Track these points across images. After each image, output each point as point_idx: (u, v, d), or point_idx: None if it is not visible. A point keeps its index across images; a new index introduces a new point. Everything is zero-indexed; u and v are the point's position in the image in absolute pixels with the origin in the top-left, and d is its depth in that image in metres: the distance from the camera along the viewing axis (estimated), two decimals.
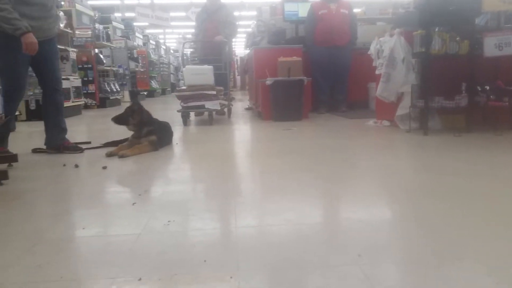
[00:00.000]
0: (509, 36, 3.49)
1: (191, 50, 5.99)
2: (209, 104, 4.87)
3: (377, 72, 4.26)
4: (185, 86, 5.13)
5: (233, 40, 6.26)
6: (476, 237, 1.42)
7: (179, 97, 5.00)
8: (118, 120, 3.30)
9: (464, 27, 3.73)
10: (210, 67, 5.09)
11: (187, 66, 5.13)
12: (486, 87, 3.75)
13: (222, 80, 5.53)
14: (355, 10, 6.39)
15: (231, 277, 1.15)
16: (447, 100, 3.69)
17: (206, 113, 5.36)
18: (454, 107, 3.71)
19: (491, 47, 3.53)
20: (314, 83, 5.67)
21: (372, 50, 4.43)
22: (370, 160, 2.86)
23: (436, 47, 3.61)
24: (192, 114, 5.46)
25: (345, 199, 1.97)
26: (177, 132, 4.23)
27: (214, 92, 4.90)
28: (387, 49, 3.99)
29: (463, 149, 3.07)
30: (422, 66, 3.78)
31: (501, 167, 2.51)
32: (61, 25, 6.46)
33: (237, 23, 6.25)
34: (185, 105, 4.91)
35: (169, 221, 1.60)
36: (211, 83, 4.98)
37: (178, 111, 5.09)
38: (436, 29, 3.65)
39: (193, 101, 4.88)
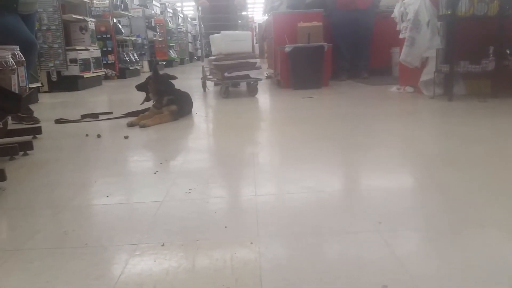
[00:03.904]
0: None
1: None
2: (253, 73, 4.57)
3: (401, 36, 4.12)
4: (216, 54, 4.74)
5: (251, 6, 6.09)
6: (499, 205, 1.39)
7: (219, 67, 4.53)
8: (139, 87, 3.43)
9: None
10: (249, 32, 4.85)
11: (224, 32, 4.61)
12: None
13: None
14: None
15: (251, 243, 1.16)
16: (473, 65, 3.57)
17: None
18: (480, 71, 3.58)
19: None
20: (335, 49, 5.54)
21: (396, 13, 4.28)
22: (392, 128, 2.81)
23: (463, 8, 3.46)
24: (211, 83, 5.42)
25: (365, 167, 1.95)
26: (196, 102, 4.23)
27: (258, 60, 4.66)
28: (412, 12, 3.84)
29: (488, 116, 2.98)
30: (448, 29, 3.65)
31: None
32: None
33: None
34: (229, 75, 4.45)
35: (190, 189, 1.62)
36: (250, 50, 4.68)
37: (216, 83, 4.81)
38: None
39: (235, 71, 4.47)
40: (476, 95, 3.61)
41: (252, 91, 4.60)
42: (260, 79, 4.62)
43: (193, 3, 23.02)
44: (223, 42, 4.50)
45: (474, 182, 1.63)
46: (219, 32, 4.67)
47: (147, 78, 3.37)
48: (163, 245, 1.18)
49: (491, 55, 3.55)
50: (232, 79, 4.51)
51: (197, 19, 22.77)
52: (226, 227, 1.28)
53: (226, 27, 5.07)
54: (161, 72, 3.46)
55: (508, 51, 3.60)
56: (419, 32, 3.79)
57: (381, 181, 1.70)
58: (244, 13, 5.76)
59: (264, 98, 4.60)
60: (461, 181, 1.64)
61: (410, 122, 2.99)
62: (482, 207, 1.38)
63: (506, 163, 1.86)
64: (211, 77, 5.09)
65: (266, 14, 6.84)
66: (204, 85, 5.34)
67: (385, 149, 2.24)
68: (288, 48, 4.82)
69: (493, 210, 1.35)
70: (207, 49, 5.92)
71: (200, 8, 5.58)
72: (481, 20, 3.55)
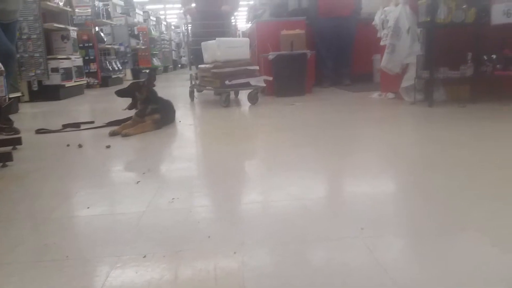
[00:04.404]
0: None
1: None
2: (254, 81, 4.36)
3: (381, 43, 4.18)
4: (211, 62, 4.50)
5: (235, 14, 5.90)
6: (480, 209, 1.41)
7: (218, 75, 4.27)
8: (122, 93, 3.32)
9: None
10: (246, 39, 4.69)
11: (219, 39, 4.43)
12: (492, 56, 3.68)
13: None
14: None
15: (235, 252, 1.16)
16: (453, 71, 3.64)
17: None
18: (459, 77, 3.66)
19: (499, 14, 3.44)
20: (318, 56, 5.59)
21: (377, 20, 4.34)
22: (374, 133, 2.85)
23: (442, 15, 3.54)
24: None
25: (348, 173, 1.97)
26: (181, 111, 4.22)
27: (257, 67, 4.49)
28: (392, 19, 3.91)
29: (468, 121, 3.04)
30: (427, 36, 3.71)
31: (506, 138, 2.48)
32: (61, 4, 6.37)
33: None
34: (229, 83, 4.24)
35: (173, 199, 1.61)
36: (248, 57, 4.52)
37: (217, 92, 4.58)
38: None
39: (235, 79, 4.27)
40: (456, 101, 3.68)
41: (252, 99, 4.44)
42: (262, 87, 4.45)
43: (177, 11, 22.95)
44: (220, 49, 4.34)
45: (455, 186, 1.65)
46: (211, 39, 4.56)
47: (133, 84, 3.32)
48: (145, 256, 1.16)
49: (469, 61, 3.63)
50: (232, 87, 4.33)
51: (182, 27, 22.58)
52: (209, 236, 1.27)
53: (217, 34, 4.86)
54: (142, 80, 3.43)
55: (485, 57, 3.69)
56: (399, 39, 3.85)
57: (364, 187, 1.71)
58: (233, 21, 5.64)
59: (248, 105, 4.61)
60: (443, 185, 1.67)
61: (392, 127, 3.03)
62: (464, 211, 1.40)
63: (486, 167, 1.90)
64: (203, 85, 4.84)
65: (250, 22, 6.88)
66: (192, 95, 5.17)
67: (368, 154, 2.27)
68: (271, 55, 4.84)
69: (475, 214, 1.37)
70: (191, 57, 5.75)
71: (188, 16, 5.36)
72: (459, 27, 3.63)
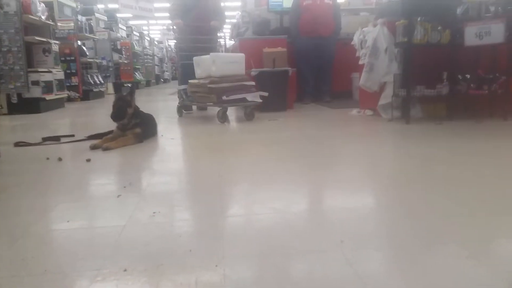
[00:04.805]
0: (489, 25, 3.55)
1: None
2: (250, 97, 4.26)
3: (360, 62, 4.29)
4: (204, 77, 4.37)
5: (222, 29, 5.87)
6: (459, 223, 1.46)
7: (214, 91, 4.15)
8: (117, 117, 3.21)
9: (445, 16, 3.78)
10: (242, 54, 4.58)
11: (214, 54, 4.38)
12: (466, 75, 3.82)
13: None
14: (339, 1, 6.42)
15: (216, 266, 1.17)
16: (429, 89, 3.75)
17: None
18: (435, 95, 3.77)
19: (471, 36, 3.59)
20: (299, 73, 5.69)
21: (356, 40, 4.45)
22: (354, 149, 2.90)
23: (418, 36, 3.66)
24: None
25: (329, 187, 2.00)
26: (165, 125, 4.21)
27: (253, 83, 4.41)
28: (370, 39, 4.02)
29: (444, 137, 3.13)
30: (404, 56, 3.83)
31: (482, 154, 2.57)
32: (43, 17, 6.33)
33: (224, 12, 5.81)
34: (227, 98, 4.13)
35: (154, 213, 1.61)
36: (243, 73, 4.45)
37: (200, 107, 4.49)
38: (419, 19, 3.69)
39: (232, 94, 4.18)
40: (432, 118, 3.78)
41: (249, 115, 4.35)
42: (258, 102, 4.37)
43: (160, 27, 22.98)
44: (215, 64, 4.24)
45: (433, 200, 1.70)
46: (199, 54, 4.52)
47: (121, 102, 3.24)
48: (125, 270, 1.16)
49: (445, 80, 3.75)
50: (229, 103, 4.22)
51: (165, 43, 22.51)
52: (191, 250, 1.28)
53: (204, 49, 4.81)
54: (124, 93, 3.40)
55: (460, 77, 3.82)
56: (377, 58, 3.96)
57: (344, 201, 1.75)
58: (222, 36, 5.61)
59: (230, 120, 4.64)
60: (421, 199, 1.71)
61: (370, 144, 3.09)
62: (442, 224, 1.44)
63: (463, 182, 1.96)
64: (195, 101, 4.72)
65: (233, 39, 6.96)
66: (180, 110, 5.01)
67: (348, 169, 2.31)
68: (254, 72, 4.90)
69: (453, 227, 1.42)
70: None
71: (175, 27, 5.19)
72: (435, 47, 3.76)
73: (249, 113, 4.37)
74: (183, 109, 5.06)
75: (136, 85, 11.12)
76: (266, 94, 4.48)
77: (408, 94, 3.72)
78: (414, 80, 3.74)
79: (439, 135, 3.22)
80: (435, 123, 3.62)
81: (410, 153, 2.68)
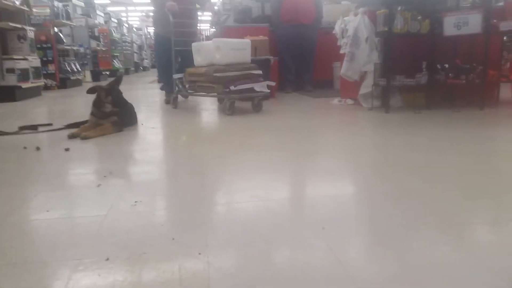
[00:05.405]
0: (467, 15, 3.61)
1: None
2: (258, 87, 3.96)
3: (341, 51, 4.31)
4: (204, 65, 4.08)
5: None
6: (435, 208, 1.50)
7: (220, 80, 3.83)
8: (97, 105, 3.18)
9: (425, 6, 3.83)
10: (248, 40, 4.25)
11: (221, 39, 4.05)
12: (445, 65, 3.88)
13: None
14: None
15: (199, 253, 1.17)
16: (408, 78, 3.81)
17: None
18: (414, 85, 3.83)
19: (450, 26, 3.64)
20: (281, 62, 5.68)
21: (337, 29, 4.47)
22: (335, 137, 2.93)
23: (398, 26, 3.70)
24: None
25: (311, 175, 2.02)
26: (144, 114, 4.16)
27: (260, 72, 4.08)
28: (351, 29, 4.04)
29: (423, 126, 3.19)
30: (385, 45, 3.86)
31: (459, 142, 2.63)
32: (17, 2, 6.13)
33: None
34: (235, 88, 3.80)
35: (136, 202, 1.60)
36: (249, 60, 4.14)
37: (226, 99, 3.90)
38: (399, 8, 3.72)
39: (240, 84, 3.86)
40: (412, 107, 3.84)
41: (256, 106, 4.05)
42: (267, 92, 4.09)
43: (139, 14, 22.52)
44: (220, 51, 3.93)
45: (412, 187, 1.74)
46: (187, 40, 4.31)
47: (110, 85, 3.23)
48: (107, 259, 1.15)
49: (424, 70, 3.81)
50: (237, 93, 3.87)
51: (144, 30, 21.97)
52: (173, 239, 1.28)
53: (189, 34, 4.56)
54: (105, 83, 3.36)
55: (439, 66, 3.88)
56: (358, 47, 3.99)
57: (325, 188, 1.77)
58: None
59: (212, 109, 4.61)
60: (400, 186, 1.75)
61: (351, 132, 3.12)
62: (420, 210, 1.48)
63: (441, 169, 2.00)
64: (194, 91, 4.35)
65: (214, 27, 6.89)
66: (175, 101, 4.62)
67: (329, 157, 2.33)
68: None
69: (430, 213, 1.45)
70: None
71: (169, 12, 4.57)
72: (414, 37, 3.81)
73: (257, 104, 4.06)
74: (177, 100, 4.67)
75: (122, 74, 10.86)
76: (273, 83, 4.23)
77: (388, 84, 3.76)
78: (394, 69, 3.78)
79: (418, 124, 3.28)
80: (414, 112, 3.68)
81: (389, 142, 2.73)
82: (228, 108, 3.87)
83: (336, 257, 1.14)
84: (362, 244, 1.26)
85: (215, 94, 4.07)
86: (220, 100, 4.61)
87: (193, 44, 4.39)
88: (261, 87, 3.98)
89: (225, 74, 3.83)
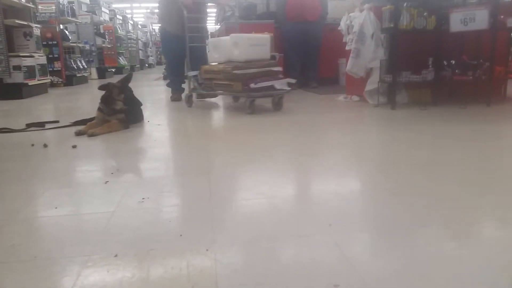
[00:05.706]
0: (474, 11, 3.58)
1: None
2: (278, 84, 3.80)
3: (347, 47, 4.30)
4: (224, 61, 3.95)
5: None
6: (441, 205, 1.49)
7: (239, 77, 3.66)
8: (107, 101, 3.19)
9: (431, 2, 3.80)
10: (268, 36, 4.11)
11: (236, 35, 3.87)
12: (451, 61, 3.86)
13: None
14: None
15: (207, 250, 1.18)
16: (414, 75, 3.79)
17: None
18: (421, 81, 3.81)
19: (456, 22, 3.62)
20: (286, 59, 5.67)
21: (342, 25, 4.45)
22: (341, 134, 2.93)
23: (404, 22, 3.68)
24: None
25: (317, 172, 2.02)
26: (152, 111, 4.17)
27: (280, 69, 3.97)
28: (357, 25, 4.02)
29: (429, 122, 3.18)
30: (391, 41, 3.85)
31: (465, 139, 2.62)
32: (23, 0, 6.16)
33: None
34: (255, 86, 3.65)
35: (143, 198, 1.61)
36: (269, 57, 3.99)
37: (246, 97, 3.74)
38: (405, 4, 3.70)
39: (259, 82, 3.70)
40: (418, 104, 3.83)
41: (277, 104, 3.89)
42: (287, 90, 3.93)
43: (143, 11, 22.52)
44: (238, 47, 3.78)
45: (418, 183, 1.74)
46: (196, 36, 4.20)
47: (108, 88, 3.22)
48: (116, 255, 1.17)
49: (430, 66, 3.79)
50: (257, 91, 3.71)
51: (149, 27, 21.97)
52: (181, 235, 1.29)
53: (198, 30, 4.42)
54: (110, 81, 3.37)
55: (445, 63, 3.86)
56: (364, 44, 3.97)
57: (332, 185, 1.77)
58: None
59: (218, 107, 4.62)
60: (407, 182, 1.75)
61: (357, 129, 3.12)
62: (427, 206, 1.48)
63: (447, 165, 2.00)
64: (211, 89, 4.11)
65: (218, 24, 6.89)
66: (190, 99, 4.40)
67: (336, 154, 2.33)
68: None
69: (436, 209, 1.45)
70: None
71: (183, 7, 4.34)
72: (420, 33, 3.79)
73: (278, 102, 3.91)
74: (192, 98, 4.44)
75: (131, 72, 10.90)
76: (294, 81, 4.09)
77: (394, 80, 3.75)
78: (400, 66, 3.77)
79: (424, 120, 3.27)
80: (420, 108, 3.67)
81: (395, 138, 2.72)
82: (248, 107, 3.75)
83: (343, 253, 1.14)
84: (369, 240, 1.27)
85: (234, 92, 3.91)
86: (235, 98, 4.53)
87: (210, 40, 4.27)
88: (281, 84, 3.84)
89: (245, 71, 3.70)
